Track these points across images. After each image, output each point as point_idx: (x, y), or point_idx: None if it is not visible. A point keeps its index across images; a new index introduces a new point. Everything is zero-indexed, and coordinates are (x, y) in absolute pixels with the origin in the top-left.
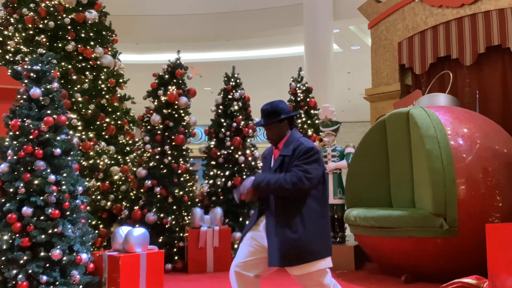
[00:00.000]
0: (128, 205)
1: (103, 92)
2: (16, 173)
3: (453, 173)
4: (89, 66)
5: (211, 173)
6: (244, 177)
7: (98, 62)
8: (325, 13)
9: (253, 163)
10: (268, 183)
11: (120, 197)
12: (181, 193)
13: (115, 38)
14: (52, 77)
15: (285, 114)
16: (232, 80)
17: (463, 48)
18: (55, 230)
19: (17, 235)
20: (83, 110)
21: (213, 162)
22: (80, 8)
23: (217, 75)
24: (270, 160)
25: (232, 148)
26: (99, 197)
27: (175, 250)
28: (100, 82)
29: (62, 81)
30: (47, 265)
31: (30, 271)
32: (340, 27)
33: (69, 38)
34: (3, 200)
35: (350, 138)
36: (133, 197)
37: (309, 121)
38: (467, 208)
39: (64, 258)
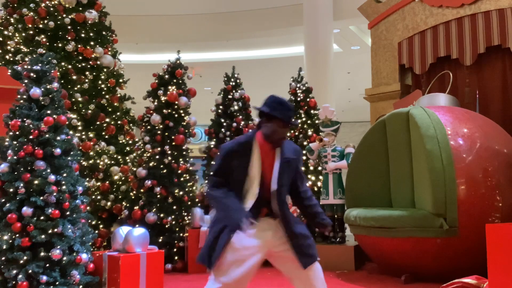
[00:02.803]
0: (128, 205)
1: (103, 92)
2: (16, 173)
3: (453, 173)
4: (89, 66)
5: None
6: None
7: (98, 62)
8: (325, 13)
9: None
10: None
11: (120, 197)
12: (181, 193)
13: (115, 38)
14: (52, 77)
15: None
16: (232, 80)
17: (463, 48)
18: (55, 230)
19: (17, 235)
20: (83, 110)
21: (213, 162)
22: (80, 8)
23: (217, 75)
24: (248, 158)
25: None
26: (99, 197)
27: (175, 250)
28: (100, 82)
29: (62, 81)
30: (47, 265)
31: (30, 271)
32: (340, 27)
33: (69, 38)
34: (3, 200)
35: (350, 138)
36: (133, 197)
37: (309, 121)
38: (467, 208)
39: (64, 258)
